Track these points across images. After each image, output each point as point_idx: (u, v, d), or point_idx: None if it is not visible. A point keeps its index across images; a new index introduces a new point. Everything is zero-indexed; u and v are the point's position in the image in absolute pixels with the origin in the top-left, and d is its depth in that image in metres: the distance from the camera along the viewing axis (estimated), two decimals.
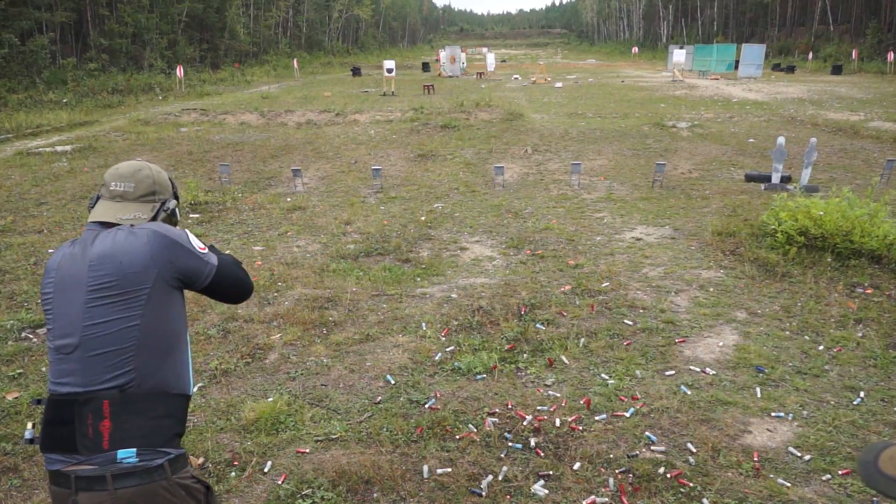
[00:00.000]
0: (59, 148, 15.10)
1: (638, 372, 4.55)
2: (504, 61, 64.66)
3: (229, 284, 2.09)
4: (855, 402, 4.11)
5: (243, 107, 22.33)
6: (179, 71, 31.79)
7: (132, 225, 1.98)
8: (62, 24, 34.22)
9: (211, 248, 2.19)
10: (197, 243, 2.02)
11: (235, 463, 3.64)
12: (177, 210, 2.22)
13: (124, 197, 2.06)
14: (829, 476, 3.41)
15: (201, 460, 3.64)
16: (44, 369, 4.76)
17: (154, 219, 2.09)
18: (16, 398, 4.32)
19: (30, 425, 1.92)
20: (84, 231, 2.02)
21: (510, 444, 3.75)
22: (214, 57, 47.34)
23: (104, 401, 1.82)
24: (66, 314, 1.89)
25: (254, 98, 26.58)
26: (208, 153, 14.38)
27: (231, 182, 11.22)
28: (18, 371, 4.72)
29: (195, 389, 2.04)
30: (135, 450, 1.80)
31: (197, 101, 25.74)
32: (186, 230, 2.04)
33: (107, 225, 2.01)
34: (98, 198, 2.10)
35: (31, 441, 1.91)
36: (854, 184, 10.04)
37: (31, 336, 5.36)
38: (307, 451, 3.73)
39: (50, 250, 7.55)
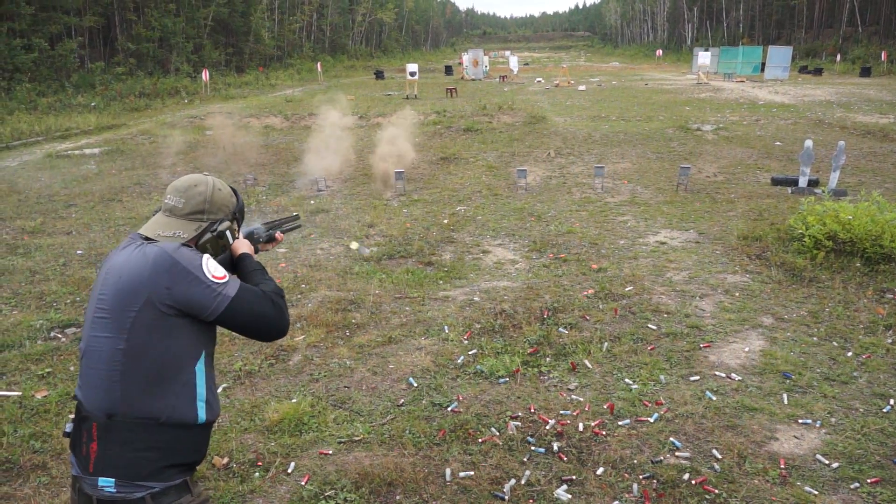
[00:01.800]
0: (87, 151, 15.36)
1: (662, 377, 4.52)
2: (527, 64, 64.57)
3: (246, 320, 1.90)
4: (885, 410, 4.04)
5: (267, 110, 22.52)
6: (205, 75, 32.17)
7: (147, 239, 1.92)
8: (91, 28, 34.79)
9: (261, 272, 2.10)
10: (212, 271, 1.86)
11: (259, 463, 3.66)
12: (228, 233, 2.09)
13: (173, 212, 1.99)
14: (857, 484, 3.36)
15: (226, 460, 3.67)
16: (72, 368, 4.83)
17: (199, 239, 2.02)
18: (44, 397, 4.39)
19: (71, 419, 1.94)
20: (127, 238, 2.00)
21: (533, 448, 3.74)
22: (239, 61, 47.78)
23: (94, 423, 1.80)
24: (86, 318, 1.91)
25: (278, 101, 26.81)
26: (233, 156, 14.51)
27: (256, 184, 11.32)
28: (47, 370, 4.80)
29: (205, 414, 1.95)
30: (113, 480, 1.78)
31: (222, 105, 26.01)
32: (206, 255, 1.92)
33: (149, 239, 1.94)
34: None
35: (68, 435, 1.92)
36: (884, 187, 9.89)
37: (59, 336, 5.45)
38: (330, 452, 3.75)
39: (79, 251, 7.67)
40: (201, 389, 1.90)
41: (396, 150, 12.56)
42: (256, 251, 2.38)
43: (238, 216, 2.18)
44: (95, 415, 1.81)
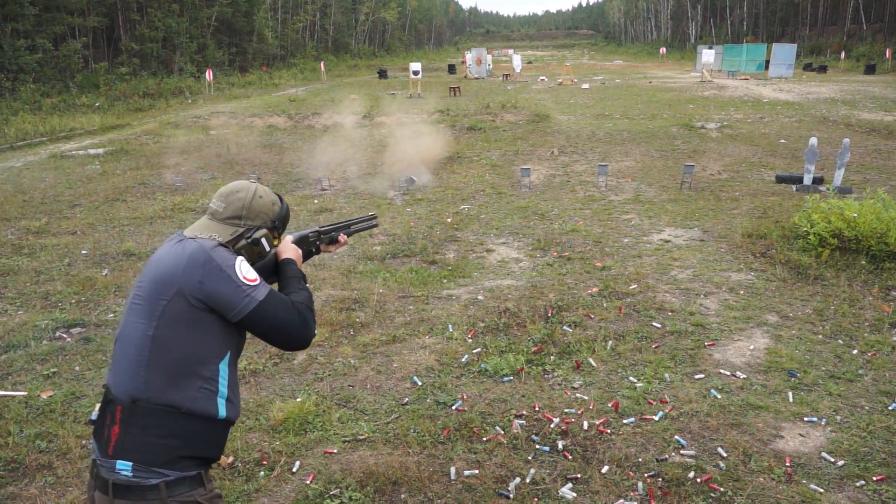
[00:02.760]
0: (91, 151, 15.38)
1: (667, 375, 4.51)
2: (530, 63, 64.45)
3: (270, 327, 1.94)
4: (890, 408, 4.03)
5: (271, 110, 22.54)
6: (209, 74, 32.22)
7: (184, 236, 1.99)
8: (94, 29, 34.81)
9: (298, 280, 2.12)
10: (244, 273, 1.92)
11: (264, 462, 3.67)
12: (264, 240, 2.09)
13: (214, 216, 2.06)
14: (863, 482, 3.35)
15: (231, 459, 3.68)
16: (77, 368, 4.84)
17: (234, 243, 2.04)
18: (50, 397, 4.40)
19: (97, 407, 1.96)
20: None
21: (538, 446, 3.74)
22: (243, 60, 47.81)
23: (118, 406, 1.85)
24: (126, 305, 1.98)
25: (281, 101, 26.82)
26: (237, 156, 14.54)
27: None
28: (52, 370, 4.81)
29: (226, 411, 1.97)
30: (131, 464, 1.80)
31: (226, 104, 26.05)
32: (241, 257, 1.96)
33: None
34: None
35: (93, 422, 1.94)
36: (889, 185, 9.86)
37: (64, 336, 5.46)
38: (335, 451, 3.76)
39: (83, 251, 7.69)
40: (223, 388, 1.95)
41: (402, 150, 12.56)
42: (314, 253, 2.42)
43: (279, 224, 2.19)
44: (120, 398, 1.86)
